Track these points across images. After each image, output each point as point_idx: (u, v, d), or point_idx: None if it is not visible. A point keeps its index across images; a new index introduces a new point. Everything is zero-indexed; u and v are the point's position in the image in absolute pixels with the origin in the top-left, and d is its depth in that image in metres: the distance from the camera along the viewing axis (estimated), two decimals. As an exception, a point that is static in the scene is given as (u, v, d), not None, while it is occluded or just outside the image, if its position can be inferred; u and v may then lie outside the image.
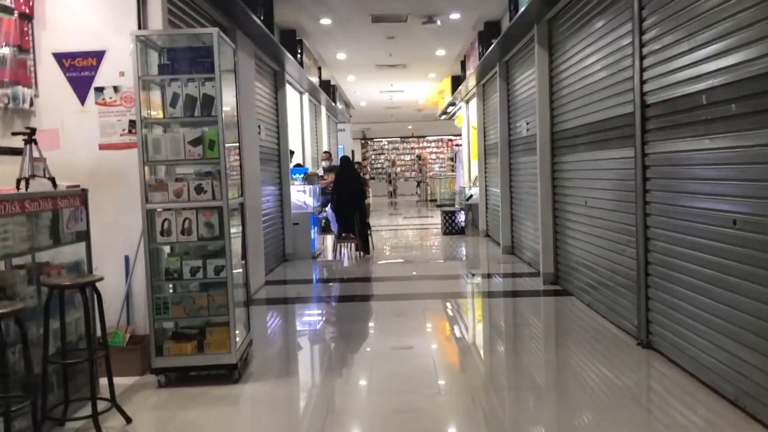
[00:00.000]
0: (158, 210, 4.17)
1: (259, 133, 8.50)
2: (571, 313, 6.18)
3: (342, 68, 14.50)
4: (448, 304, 6.97)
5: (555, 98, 7.25)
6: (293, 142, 11.90)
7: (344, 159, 10.49)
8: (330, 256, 10.51)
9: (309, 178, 10.42)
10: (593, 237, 6.05)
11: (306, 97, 12.73)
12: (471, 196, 12.72)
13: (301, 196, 10.34)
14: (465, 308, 7.09)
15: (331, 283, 8.54)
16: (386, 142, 31.42)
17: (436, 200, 22.45)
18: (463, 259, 10.58)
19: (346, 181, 10.13)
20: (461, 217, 12.93)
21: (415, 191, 27.76)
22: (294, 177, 10.91)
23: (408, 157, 31.25)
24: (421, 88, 18.47)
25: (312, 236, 10.23)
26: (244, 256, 4.82)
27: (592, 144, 6.03)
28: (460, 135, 30.03)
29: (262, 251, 7.89)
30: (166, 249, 4.41)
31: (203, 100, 4.15)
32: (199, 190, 4.13)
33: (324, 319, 6.64)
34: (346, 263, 10.04)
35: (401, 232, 14.91)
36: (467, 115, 15.41)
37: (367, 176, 29.45)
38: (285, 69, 9.93)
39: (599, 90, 5.71)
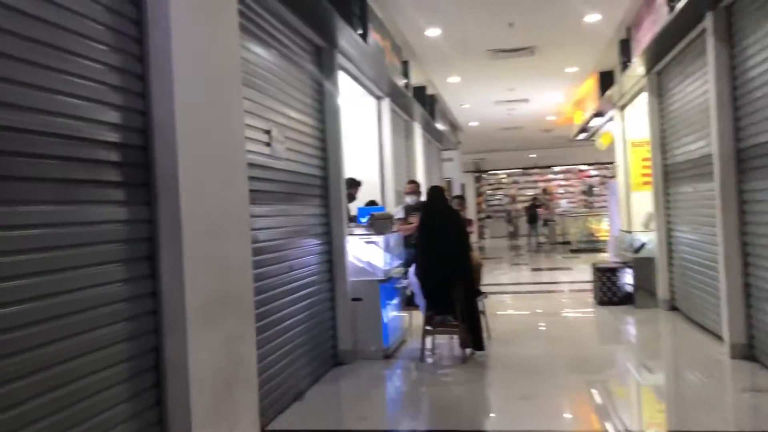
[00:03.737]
0: None
1: (269, 144, 4.60)
2: None
3: (438, 59, 9.80)
4: None
5: None
6: (362, 169, 7.96)
7: (432, 190, 6.26)
8: (416, 351, 6.28)
9: (377, 224, 6.33)
10: None
11: (386, 104, 8.77)
12: (643, 245, 8.11)
13: (367, 252, 6.30)
14: None
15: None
16: (504, 175, 26.85)
17: (569, 243, 17.80)
18: (653, 370, 5.97)
19: (433, 225, 5.97)
20: (626, 278, 8.32)
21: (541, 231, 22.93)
22: (363, 221, 6.94)
23: (530, 192, 26.49)
24: (553, 95, 13.70)
25: (383, 319, 6.12)
26: None
27: None
28: (593, 164, 25.42)
29: (254, 383, 3.80)
30: None
31: None
32: None
33: None
34: (442, 374, 5.81)
35: (530, 298, 10.35)
36: (623, 129, 10.81)
37: (482, 215, 24.94)
38: (337, 44, 6.03)
39: None
